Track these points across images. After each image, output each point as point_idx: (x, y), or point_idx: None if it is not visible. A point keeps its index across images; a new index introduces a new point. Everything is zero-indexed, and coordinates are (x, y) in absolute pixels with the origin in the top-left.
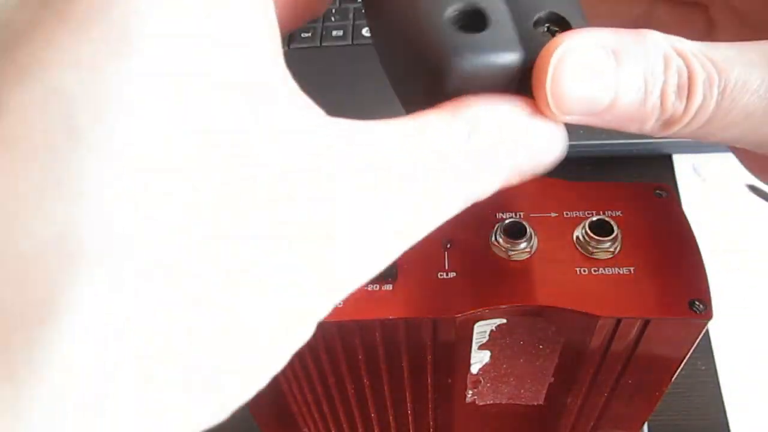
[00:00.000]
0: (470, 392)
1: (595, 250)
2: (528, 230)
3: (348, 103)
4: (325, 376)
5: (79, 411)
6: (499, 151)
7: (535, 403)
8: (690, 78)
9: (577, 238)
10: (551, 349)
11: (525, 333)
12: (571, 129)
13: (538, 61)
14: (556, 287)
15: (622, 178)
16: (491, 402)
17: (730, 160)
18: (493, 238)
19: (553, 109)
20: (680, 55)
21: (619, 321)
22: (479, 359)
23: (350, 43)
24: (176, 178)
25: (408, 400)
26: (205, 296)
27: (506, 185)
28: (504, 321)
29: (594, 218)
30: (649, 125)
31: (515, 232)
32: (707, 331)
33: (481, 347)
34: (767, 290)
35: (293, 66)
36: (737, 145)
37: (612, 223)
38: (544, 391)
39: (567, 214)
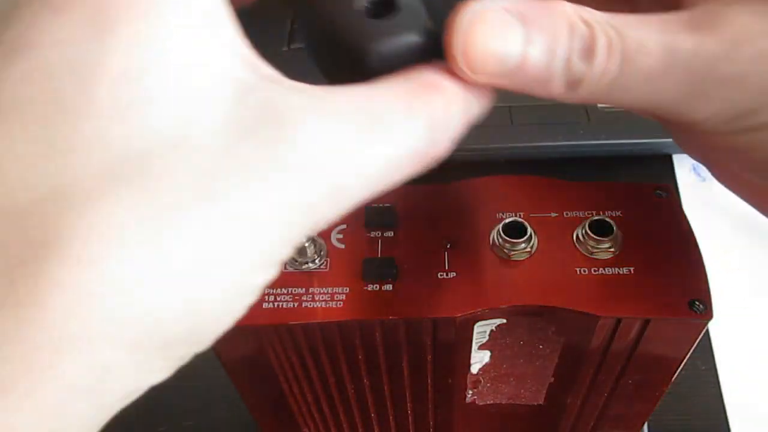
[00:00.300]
0: (470, 392)
1: (595, 250)
2: (528, 230)
3: None
4: (325, 376)
5: (78, 331)
6: (413, 105)
7: (535, 403)
8: (592, 41)
9: (577, 237)
10: (551, 349)
11: (525, 333)
12: (572, 129)
13: (450, 24)
14: (556, 287)
15: (622, 178)
16: (491, 402)
17: None
18: (493, 238)
19: (464, 68)
20: (584, 22)
21: (619, 321)
22: (479, 359)
23: None
24: (148, 126)
25: (408, 400)
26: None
27: (428, 144)
28: (504, 321)
29: (594, 218)
30: (556, 86)
31: (515, 231)
32: (707, 331)
33: (481, 347)
34: (767, 290)
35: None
36: (644, 111)
37: (612, 223)
38: (544, 391)
39: (567, 214)
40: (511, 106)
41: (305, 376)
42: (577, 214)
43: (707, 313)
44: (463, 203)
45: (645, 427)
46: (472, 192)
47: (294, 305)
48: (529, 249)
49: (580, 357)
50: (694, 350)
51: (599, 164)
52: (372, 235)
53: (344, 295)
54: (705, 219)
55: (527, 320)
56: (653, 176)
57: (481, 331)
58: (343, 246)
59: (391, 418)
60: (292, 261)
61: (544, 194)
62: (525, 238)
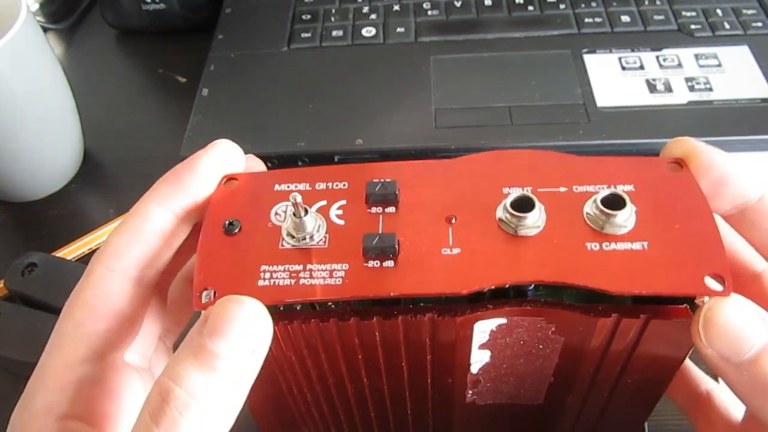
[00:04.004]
0: (470, 392)
1: (606, 225)
2: (536, 205)
3: (348, 103)
4: (324, 376)
5: None
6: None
7: (535, 403)
8: None
9: (588, 213)
10: (551, 349)
11: (525, 333)
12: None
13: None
14: (566, 263)
15: None
16: (491, 402)
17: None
18: (500, 213)
19: (702, 338)
20: None
21: (619, 321)
22: (479, 359)
23: (350, 43)
24: None
25: (407, 400)
26: None
27: None
28: (504, 321)
29: (605, 192)
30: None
31: (523, 206)
32: None
33: (481, 347)
34: None
35: (293, 66)
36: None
37: (624, 197)
38: (544, 391)
39: (577, 188)
40: (511, 107)
41: (305, 376)
42: (588, 188)
43: (726, 289)
44: (468, 178)
45: (645, 427)
46: (478, 166)
47: (291, 282)
48: (537, 224)
49: (580, 357)
50: (694, 350)
51: None
52: (373, 211)
53: (344, 272)
54: None
55: (527, 320)
56: None
57: (481, 331)
58: (342, 222)
59: (390, 418)
60: (290, 237)
61: (553, 168)
62: (533, 212)
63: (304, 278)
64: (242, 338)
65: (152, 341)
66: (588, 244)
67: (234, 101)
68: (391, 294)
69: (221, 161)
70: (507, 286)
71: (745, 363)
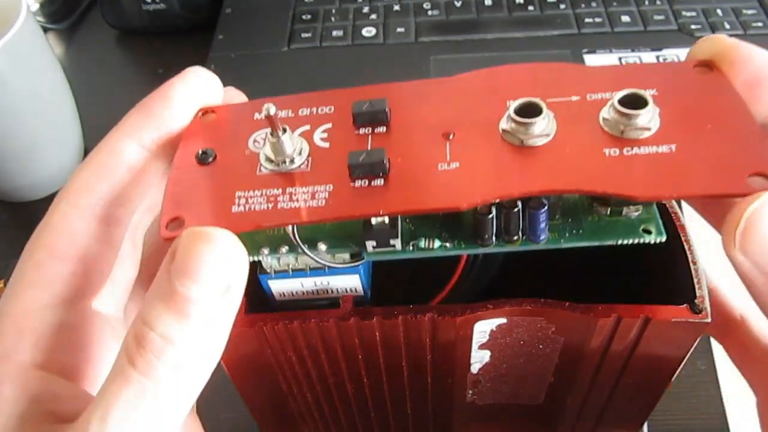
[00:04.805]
0: (470, 392)
1: (626, 128)
2: (543, 110)
3: None
4: (324, 376)
5: None
6: None
7: (535, 403)
8: None
9: (605, 118)
10: (551, 349)
11: (525, 333)
12: None
13: (735, 208)
14: (581, 170)
15: None
16: (491, 402)
17: None
18: (504, 124)
19: (738, 244)
20: None
21: (619, 321)
22: (479, 359)
23: (350, 43)
24: None
25: (407, 399)
26: None
27: None
28: (504, 321)
29: (624, 92)
30: None
31: (529, 112)
32: None
33: (481, 347)
34: None
35: (293, 66)
36: None
37: (646, 95)
38: (544, 391)
39: (591, 96)
40: None
41: (305, 376)
42: (603, 95)
43: None
44: (466, 94)
45: (645, 427)
46: (477, 82)
47: (269, 207)
48: (546, 132)
49: (580, 357)
50: (693, 350)
51: None
52: (361, 132)
53: (327, 193)
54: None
55: (527, 320)
56: None
57: (481, 331)
58: (327, 145)
59: (390, 417)
60: (268, 162)
61: (563, 78)
62: (540, 117)
63: (283, 202)
64: (214, 278)
65: (125, 288)
66: (606, 150)
67: None
68: (381, 212)
69: (197, 91)
70: (515, 199)
71: None
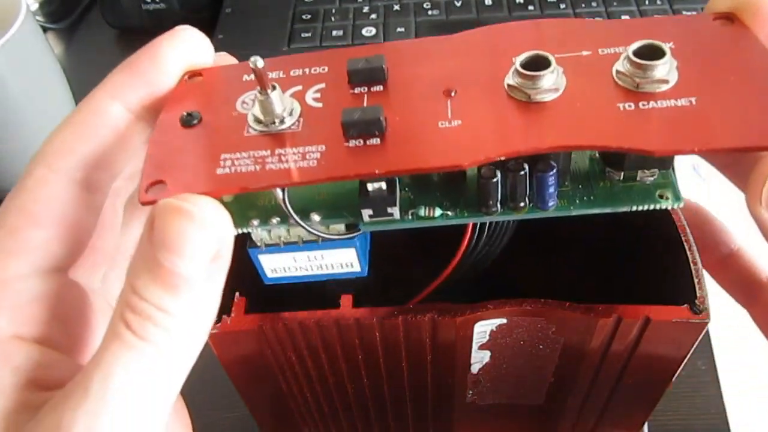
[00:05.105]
0: (470, 392)
1: (642, 81)
2: (552, 62)
3: None
4: (324, 376)
5: None
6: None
7: (536, 403)
8: None
9: (618, 71)
10: (551, 350)
11: (525, 333)
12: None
13: (762, 163)
14: (594, 126)
15: None
16: (491, 402)
17: None
18: (509, 80)
19: (764, 203)
20: None
21: (619, 321)
22: (479, 359)
23: (350, 43)
24: None
25: (407, 400)
26: None
27: None
28: (504, 321)
29: (640, 42)
30: None
31: (536, 65)
32: (707, 331)
33: (481, 347)
34: None
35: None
36: None
37: (663, 45)
38: (545, 392)
39: (603, 51)
40: None
41: (305, 376)
42: (616, 50)
43: None
44: (469, 52)
45: (645, 427)
46: (480, 39)
47: (256, 168)
48: (555, 86)
49: (580, 357)
50: (693, 350)
51: None
52: (356, 92)
53: (319, 154)
54: None
55: (527, 320)
56: None
57: (481, 331)
58: (320, 105)
59: (390, 417)
60: (256, 122)
61: (571, 33)
62: (549, 70)
63: (272, 163)
64: (200, 251)
65: (105, 258)
66: (620, 105)
67: None
68: (376, 171)
69: (186, 51)
70: (522, 161)
71: None
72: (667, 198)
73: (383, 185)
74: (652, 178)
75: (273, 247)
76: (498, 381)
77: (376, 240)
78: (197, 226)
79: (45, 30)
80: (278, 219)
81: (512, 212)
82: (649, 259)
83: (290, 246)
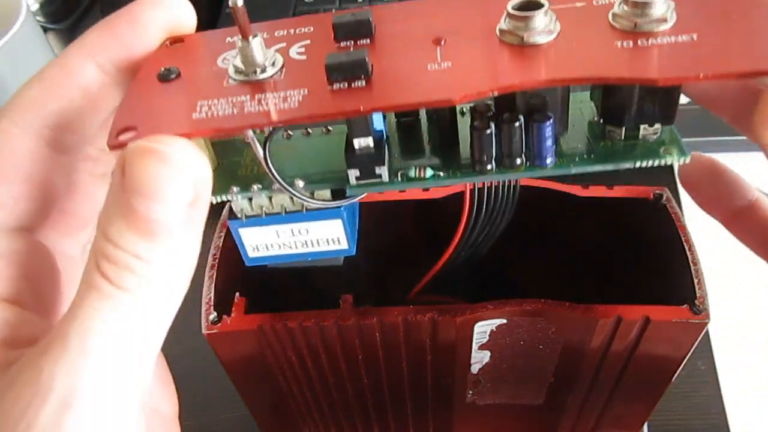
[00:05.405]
0: (470, 392)
1: (640, 21)
2: (545, 4)
3: None
4: (324, 376)
5: None
6: None
7: (535, 403)
8: None
9: (615, 14)
10: (551, 349)
11: (525, 333)
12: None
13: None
14: (592, 59)
15: (622, 179)
16: (491, 402)
17: (731, 160)
18: (502, 25)
19: None
20: None
21: (619, 321)
22: (479, 359)
23: None
24: None
25: (407, 400)
26: None
27: None
28: (504, 321)
29: None
30: None
31: (529, 5)
32: (707, 331)
33: (481, 347)
34: (767, 290)
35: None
36: None
37: None
38: (544, 391)
39: (598, 1)
40: None
41: (305, 376)
42: (611, 0)
43: None
44: (461, 7)
45: (645, 427)
46: None
47: (234, 111)
48: (549, 28)
49: (580, 357)
50: (693, 350)
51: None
52: (342, 45)
53: (301, 96)
54: (705, 219)
55: (527, 320)
56: (653, 177)
57: (481, 331)
58: (303, 57)
59: (390, 418)
60: (237, 73)
61: None
62: (542, 10)
63: (251, 107)
64: (178, 196)
65: (84, 225)
66: (618, 42)
67: None
68: (360, 108)
69: (168, 15)
70: (517, 113)
71: None
72: (671, 153)
73: (370, 143)
74: (655, 136)
75: (254, 219)
76: (498, 381)
77: (376, 240)
78: (172, 168)
79: (45, 30)
80: (259, 186)
81: (508, 171)
82: (649, 259)
83: (273, 217)
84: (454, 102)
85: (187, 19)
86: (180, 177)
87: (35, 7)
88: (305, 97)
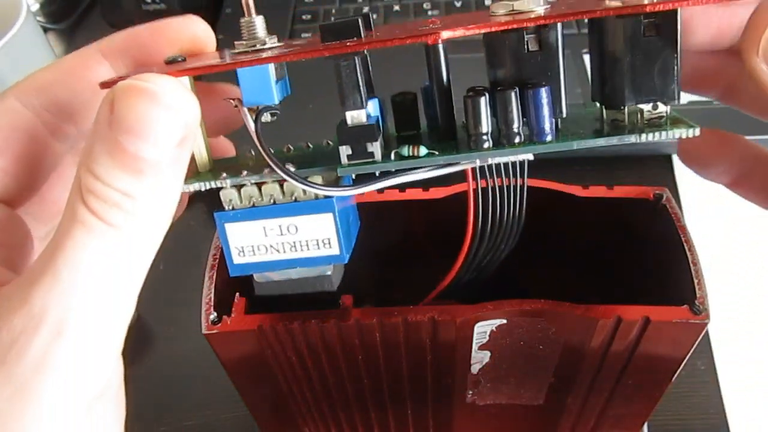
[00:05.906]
0: (470, 392)
1: None
2: None
3: None
4: (324, 376)
5: None
6: None
7: (535, 403)
8: None
9: None
10: (551, 350)
11: (525, 333)
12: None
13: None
14: (586, 6)
15: (622, 178)
16: (491, 402)
17: None
18: (494, 8)
19: (762, 52)
20: None
21: (619, 321)
22: (479, 359)
23: None
24: None
25: (407, 400)
26: None
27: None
28: (504, 321)
29: None
30: None
31: None
32: (707, 331)
33: (481, 347)
34: (767, 290)
35: (293, 65)
36: None
37: None
38: (544, 391)
39: None
40: None
41: (305, 376)
42: None
43: None
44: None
45: (645, 427)
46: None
47: (225, 60)
48: (539, 2)
49: (580, 357)
50: (693, 350)
51: (600, 164)
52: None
53: (293, 47)
54: (705, 219)
55: (527, 320)
56: (653, 176)
57: (481, 331)
58: (303, 41)
59: (390, 418)
60: (238, 47)
61: None
62: None
63: (243, 57)
64: (168, 135)
65: (53, 212)
66: (607, 1)
67: None
68: (348, 44)
69: (189, 36)
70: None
71: None
72: (678, 126)
73: (363, 117)
74: (660, 120)
75: (242, 211)
76: (498, 381)
77: (377, 240)
78: (162, 107)
79: (45, 30)
80: (249, 172)
81: (506, 148)
82: (649, 259)
83: (261, 209)
84: (444, 39)
85: (206, 44)
86: (170, 118)
87: (35, 7)
88: (295, 47)
